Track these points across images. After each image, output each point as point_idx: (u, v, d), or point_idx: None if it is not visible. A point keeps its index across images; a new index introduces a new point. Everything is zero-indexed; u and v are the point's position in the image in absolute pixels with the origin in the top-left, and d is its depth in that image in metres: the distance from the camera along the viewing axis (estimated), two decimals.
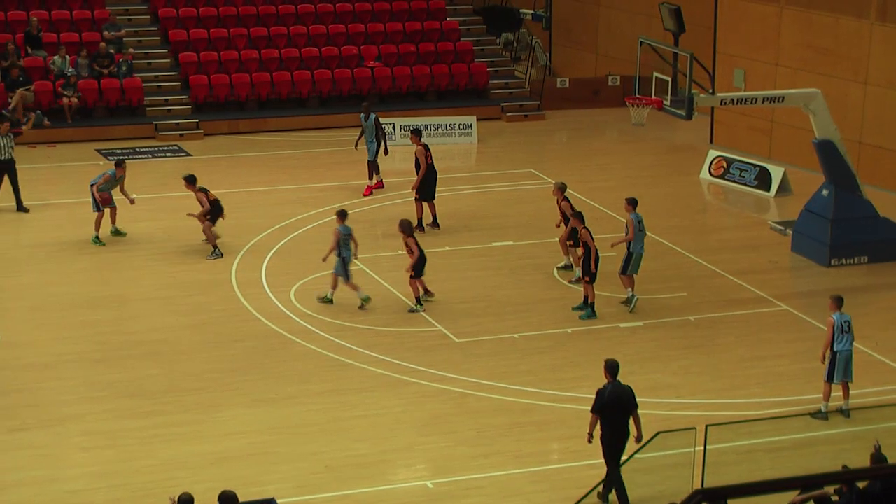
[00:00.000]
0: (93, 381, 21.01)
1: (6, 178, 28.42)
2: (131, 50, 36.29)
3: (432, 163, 27.48)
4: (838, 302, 20.20)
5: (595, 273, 23.30)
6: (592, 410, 17.30)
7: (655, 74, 27.66)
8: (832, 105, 27.39)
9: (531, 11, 42.18)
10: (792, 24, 33.10)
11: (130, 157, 33.03)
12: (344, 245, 23.70)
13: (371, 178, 29.99)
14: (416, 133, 28.21)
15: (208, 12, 37.73)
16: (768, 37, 33.63)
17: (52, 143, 33.77)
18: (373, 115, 29.84)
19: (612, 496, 17.38)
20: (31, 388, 20.76)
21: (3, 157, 28.40)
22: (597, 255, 23.23)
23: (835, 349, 19.87)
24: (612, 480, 17.31)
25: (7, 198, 28.41)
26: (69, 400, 20.35)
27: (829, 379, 19.96)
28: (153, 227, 27.76)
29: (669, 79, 27.19)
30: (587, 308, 23.43)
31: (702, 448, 16.75)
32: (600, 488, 17.46)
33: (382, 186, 30.08)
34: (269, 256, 26.25)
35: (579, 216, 23.95)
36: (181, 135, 34.63)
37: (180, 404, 20.27)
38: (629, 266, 23.92)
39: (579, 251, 24.29)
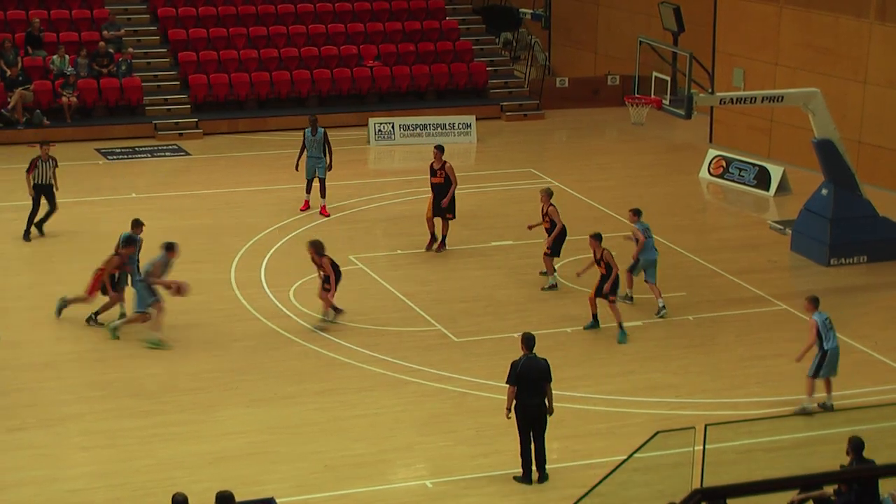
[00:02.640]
0: (92, 380, 21.01)
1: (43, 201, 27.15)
2: (131, 49, 36.29)
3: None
4: (815, 302, 20.29)
5: (617, 293, 22.97)
6: (507, 382, 18.11)
7: (655, 74, 27.68)
8: (831, 104, 27.39)
9: (530, 11, 42.20)
10: (791, 23, 33.11)
11: (130, 156, 33.07)
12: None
13: (314, 194, 28.55)
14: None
15: (207, 12, 37.73)
16: (768, 36, 33.63)
17: (52, 142, 33.71)
18: (321, 130, 28.55)
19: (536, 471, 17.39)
20: (30, 387, 20.76)
21: (42, 182, 27.02)
22: (617, 276, 22.76)
23: (825, 348, 19.93)
24: (525, 453, 18.09)
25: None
26: (69, 399, 20.36)
27: (815, 375, 20.08)
28: (153, 227, 27.64)
29: (669, 78, 27.21)
30: (620, 330, 22.77)
31: (701, 447, 16.74)
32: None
33: (308, 208, 28.83)
34: (268, 256, 26.25)
35: (598, 237, 23.01)
36: (180, 134, 34.63)
37: (179, 404, 20.28)
38: (648, 272, 23.73)
39: (603, 269, 22.93)
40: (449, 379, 21.25)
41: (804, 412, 20.06)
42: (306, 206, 28.70)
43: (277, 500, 16.45)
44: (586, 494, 17.13)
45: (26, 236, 27.04)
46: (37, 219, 27.09)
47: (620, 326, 22.72)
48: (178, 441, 19.18)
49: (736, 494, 9.62)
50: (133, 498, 17.73)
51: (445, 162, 26.37)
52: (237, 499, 14.98)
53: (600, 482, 17.34)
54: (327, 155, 28.51)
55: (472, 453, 19.02)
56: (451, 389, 20.92)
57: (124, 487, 17.95)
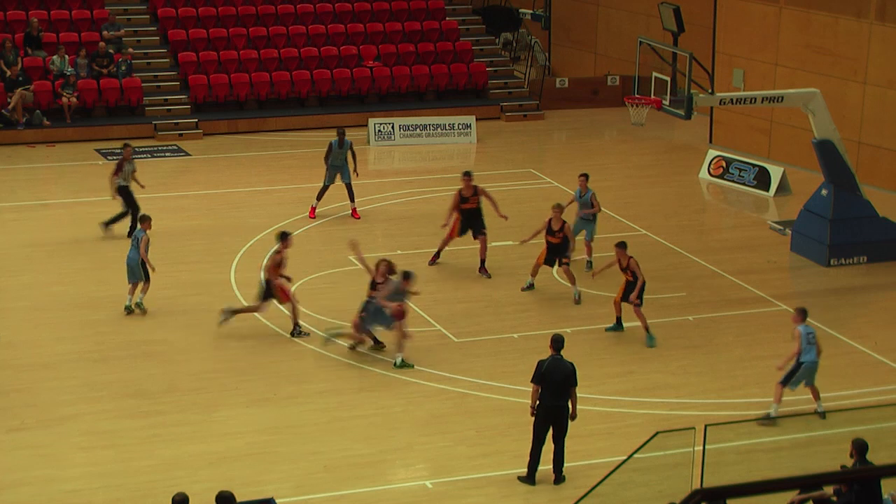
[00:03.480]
0: (92, 380, 21.00)
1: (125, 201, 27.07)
2: (130, 50, 36.29)
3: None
4: (803, 314, 20.15)
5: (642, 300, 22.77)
6: (532, 381, 18.06)
7: (654, 74, 27.67)
8: (831, 105, 27.40)
9: (530, 11, 42.21)
10: (791, 23, 33.11)
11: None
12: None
13: (353, 200, 28.49)
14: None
15: (207, 12, 37.74)
16: (767, 37, 33.64)
17: (52, 142, 33.77)
18: (348, 142, 28.18)
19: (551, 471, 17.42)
20: (30, 387, 20.76)
21: (126, 183, 26.89)
22: (644, 283, 22.62)
23: (801, 360, 19.79)
24: (535, 453, 18.08)
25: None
26: (69, 400, 20.35)
27: (784, 384, 19.88)
28: (152, 227, 27.74)
29: (668, 78, 27.20)
30: (647, 334, 22.69)
31: (701, 448, 16.74)
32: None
33: (314, 217, 28.53)
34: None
35: (623, 246, 22.82)
36: (180, 135, 34.63)
37: (179, 404, 20.28)
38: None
39: (630, 276, 22.74)
40: (449, 379, 21.26)
41: (768, 419, 19.85)
42: (313, 214, 28.53)
43: (277, 500, 16.45)
44: (586, 494, 17.14)
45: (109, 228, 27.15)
46: (110, 217, 27.05)
47: (647, 330, 22.65)
48: (178, 441, 19.18)
49: (736, 494, 9.62)
50: (133, 498, 17.73)
51: (476, 186, 25.69)
52: (237, 499, 14.98)
53: (600, 482, 17.35)
54: (352, 161, 28.22)
55: (472, 453, 19.02)
56: (451, 390, 20.92)
57: (124, 488, 17.94)
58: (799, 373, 19.85)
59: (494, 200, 25.75)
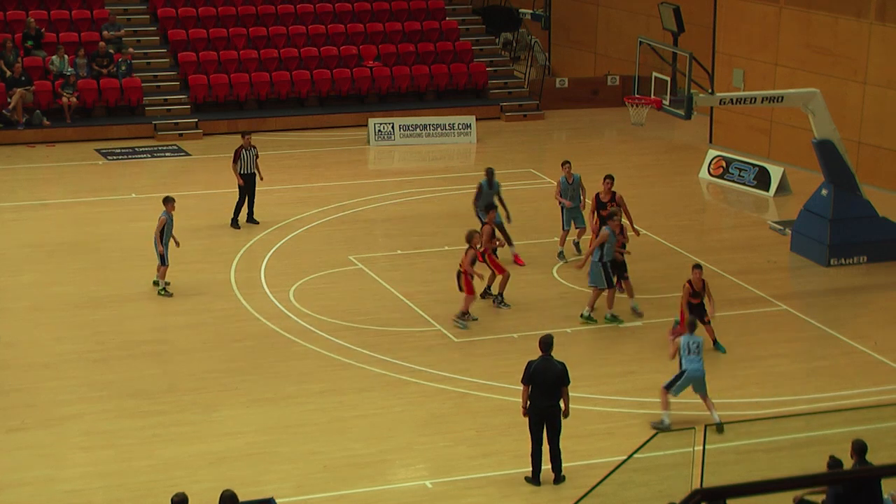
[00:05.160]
0: (92, 380, 21.01)
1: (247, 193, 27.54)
2: (130, 50, 36.30)
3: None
4: (691, 326, 19.97)
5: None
6: (522, 381, 18.22)
7: (654, 74, 27.68)
8: (831, 105, 27.39)
9: (530, 11, 42.21)
10: (791, 23, 33.11)
11: (130, 157, 33.08)
12: None
13: (511, 243, 26.29)
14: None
15: (207, 12, 37.74)
16: (767, 37, 33.64)
17: (52, 142, 33.77)
18: (497, 183, 26.23)
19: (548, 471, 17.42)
20: (30, 387, 20.76)
21: (246, 171, 27.39)
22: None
23: (683, 367, 19.64)
24: (535, 454, 18.09)
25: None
26: (69, 400, 20.35)
27: (668, 388, 19.70)
28: (152, 226, 27.76)
29: (668, 78, 27.21)
30: (715, 343, 22.49)
31: (701, 448, 16.74)
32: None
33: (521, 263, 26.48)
34: (268, 256, 26.25)
35: (700, 267, 22.46)
36: (180, 134, 34.63)
37: (179, 404, 20.27)
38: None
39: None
40: (449, 379, 21.26)
41: (660, 426, 19.60)
42: (520, 261, 26.26)
43: (277, 500, 16.44)
44: (586, 494, 17.14)
45: (234, 224, 27.57)
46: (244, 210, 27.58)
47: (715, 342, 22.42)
48: (178, 441, 19.18)
49: (736, 494, 9.61)
50: (133, 498, 17.73)
51: (615, 192, 25.34)
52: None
53: (600, 482, 17.35)
54: (502, 208, 26.11)
55: (472, 453, 19.02)
56: (451, 390, 20.92)
57: (124, 488, 17.94)
58: (681, 381, 19.62)
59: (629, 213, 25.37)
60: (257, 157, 27.58)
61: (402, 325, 23.19)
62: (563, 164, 26.33)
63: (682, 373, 19.67)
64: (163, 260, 24.05)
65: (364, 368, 21.54)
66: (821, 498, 16.14)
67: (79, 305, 23.79)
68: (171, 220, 24.15)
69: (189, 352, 22.12)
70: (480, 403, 20.52)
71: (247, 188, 27.53)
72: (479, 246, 23.19)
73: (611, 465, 17.45)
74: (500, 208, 25.74)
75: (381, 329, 23.00)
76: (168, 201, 24.34)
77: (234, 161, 27.44)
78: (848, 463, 16.25)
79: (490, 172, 26.31)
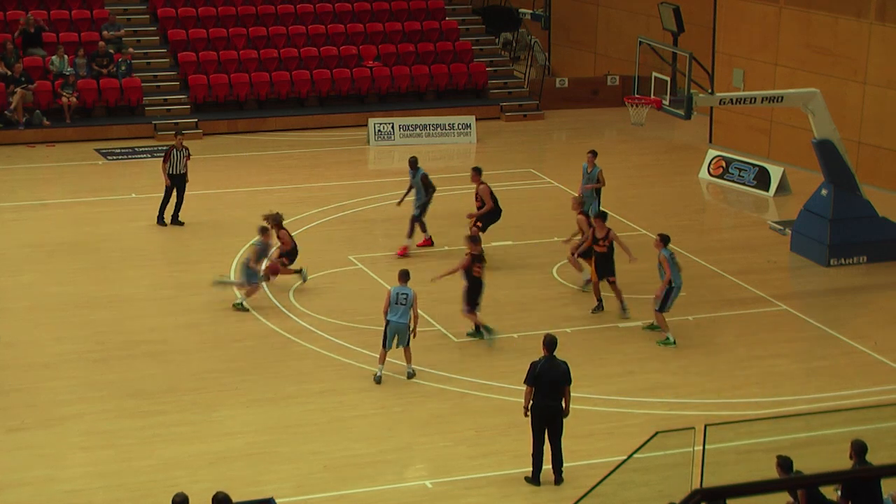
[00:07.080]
0: (92, 380, 21.00)
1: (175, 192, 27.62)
2: (130, 49, 36.30)
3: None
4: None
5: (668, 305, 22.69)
6: (525, 382, 18.20)
7: (654, 74, 27.68)
8: (831, 105, 27.39)
9: (530, 11, 42.21)
10: (791, 23, 33.11)
11: (130, 156, 33.09)
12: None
13: (411, 235, 26.51)
14: (477, 171, 26.34)
15: (207, 12, 37.74)
16: (767, 37, 33.64)
17: (51, 142, 33.77)
18: (420, 171, 26.59)
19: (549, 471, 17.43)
20: (30, 387, 20.76)
21: (176, 172, 27.53)
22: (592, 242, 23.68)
23: (388, 318, 20.87)
24: (536, 454, 18.09)
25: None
26: (68, 400, 20.35)
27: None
28: (152, 226, 27.78)
29: (668, 78, 27.21)
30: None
31: (701, 448, 16.74)
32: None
33: (432, 244, 26.95)
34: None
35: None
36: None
37: (179, 404, 20.27)
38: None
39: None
40: (449, 379, 21.25)
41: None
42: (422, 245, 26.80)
43: (277, 500, 16.44)
44: (586, 494, 17.13)
45: (160, 221, 27.67)
46: (171, 211, 27.65)
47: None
48: (178, 441, 19.17)
49: (736, 494, 9.61)
50: (133, 498, 17.72)
51: (479, 185, 26.11)
52: (237, 499, 14.97)
53: (600, 482, 17.35)
54: (426, 197, 26.62)
55: (472, 453, 19.02)
56: (451, 390, 20.92)
57: (124, 488, 17.94)
58: (388, 333, 20.94)
59: (485, 210, 25.98)
60: (188, 157, 27.75)
61: None
62: (588, 152, 27.25)
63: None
64: (252, 279, 23.68)
65: (364, 368, 21.53)
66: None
67: (79, 305, 23.79)
68: (266, 247, 23.93)
69: (189, 352, 22.12)
70: (480, 403, 20.52)
71: (174, 188, 27.61)
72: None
73: (611, 465, 17.44)
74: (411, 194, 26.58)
75: (381, 329, 22.96)
76: (264, 231, 24.00)
77: (165, 161, 27.65)
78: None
79: (413, 162, 26.76)
